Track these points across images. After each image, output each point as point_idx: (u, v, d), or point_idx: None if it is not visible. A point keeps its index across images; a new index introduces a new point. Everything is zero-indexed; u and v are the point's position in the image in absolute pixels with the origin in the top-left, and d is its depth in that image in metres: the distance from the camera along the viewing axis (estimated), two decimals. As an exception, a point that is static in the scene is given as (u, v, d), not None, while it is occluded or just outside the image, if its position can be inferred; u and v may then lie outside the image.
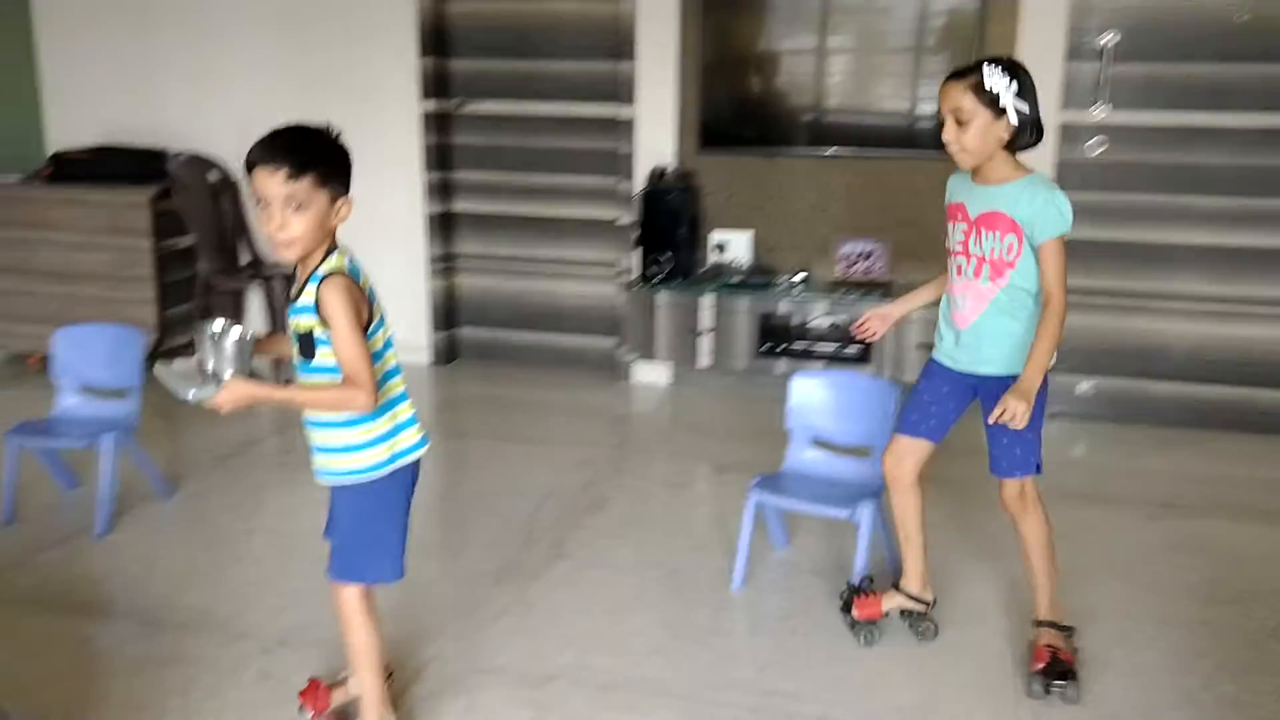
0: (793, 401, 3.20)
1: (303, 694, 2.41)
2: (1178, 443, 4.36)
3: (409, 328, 5.29)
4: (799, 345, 4.61)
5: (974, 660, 2.74)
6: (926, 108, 4.59)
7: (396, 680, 2.53)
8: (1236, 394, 4.47)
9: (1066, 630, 2.71)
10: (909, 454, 2.79)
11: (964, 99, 2.44)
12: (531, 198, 5.20)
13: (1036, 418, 2.56)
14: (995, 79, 2.42)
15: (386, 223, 5.20)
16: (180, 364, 2.13)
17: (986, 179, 2.55)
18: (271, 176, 1.96)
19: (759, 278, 4.68)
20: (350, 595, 2.24)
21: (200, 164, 5.05)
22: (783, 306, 4.60)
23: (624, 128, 4.88)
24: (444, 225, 5.23)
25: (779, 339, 4.63)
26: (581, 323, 5.25)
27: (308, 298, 2.04)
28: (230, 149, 5.23)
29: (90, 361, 3.54)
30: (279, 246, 2.03)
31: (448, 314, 5.33)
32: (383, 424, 2.14)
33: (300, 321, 2.07)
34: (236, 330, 2.05)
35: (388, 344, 2.14)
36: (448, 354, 5.36)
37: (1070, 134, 4.42)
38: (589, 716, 2.47)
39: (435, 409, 4.87)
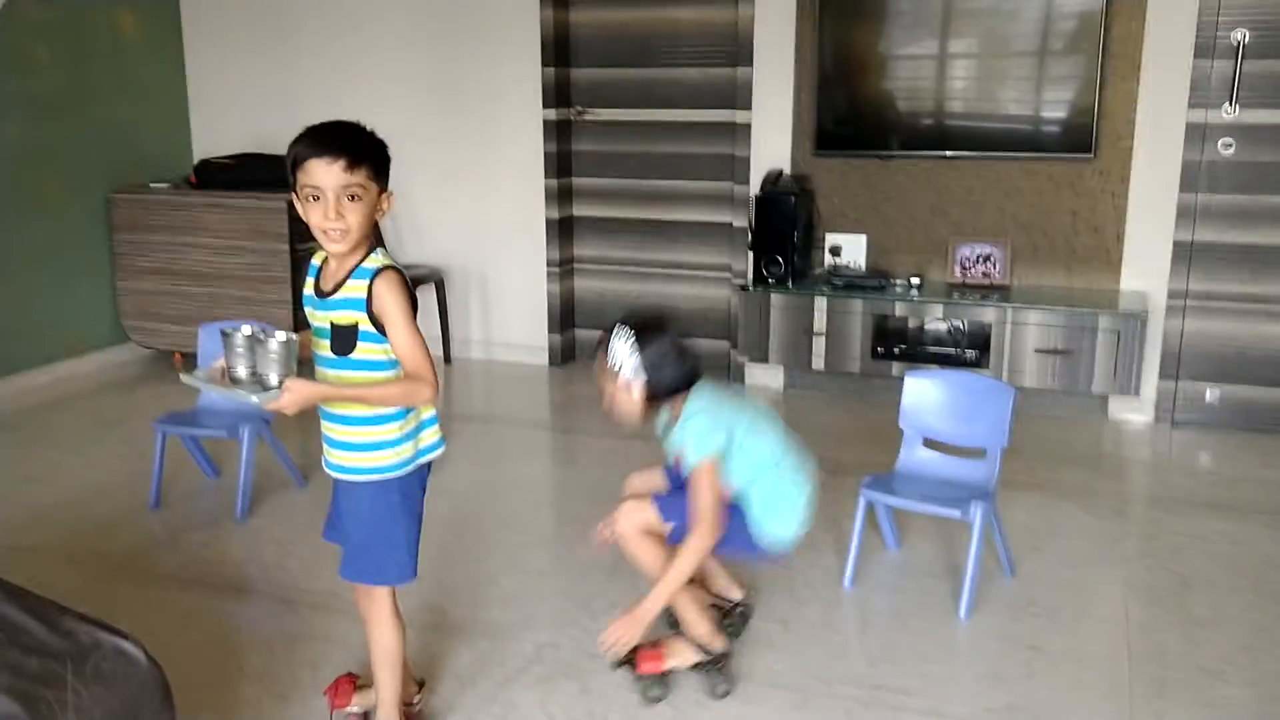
0: (906, 401, 3.21)
1: (329, 689, 2.43)
2: (1313, 453, 4.21)
3: (528, 329, 5.44)
4: (914, 348, 4.59)
5: (1087, 661, 2.71)
6: (1050, 111, 4.52)
7: (434, 690, 2.62)
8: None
9: None
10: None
11: (603, 378, 2.51)
12: (648, 202, 5.29)
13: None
14: (616, 352, 2.47)
15: (510, 227, 5.37)
16: (202, 371, 2.15)
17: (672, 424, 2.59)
18: (329, 167, 1.98)
19: (874, 280, 4.68)
20: (383, 596, 2.25)
21: (333, 171, 5.29)
22: (898, 309, 4.59)
23: (741, 132, 4.93)
24: (563, 230, 5.36)
25: (894, 342, 4.62)
26: (696, 325, 5.31)
27: (353, 291, 2.05)
28: (361, 157, 5.46)
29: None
30: (330, 237, 2.02)
31: (565, 316, 5.46)
32: (410, 421, 2.15)
33: (342, 315, 2.07)
34: (280, 333, 2.02)
35: None
36: (564, 355, 5.49)
37: (1196, 134, 4.31)
38: (701, 703, 2.53)
39: (551, 408, 5.00)
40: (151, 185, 5.40)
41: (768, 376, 5.04)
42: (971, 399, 3.14)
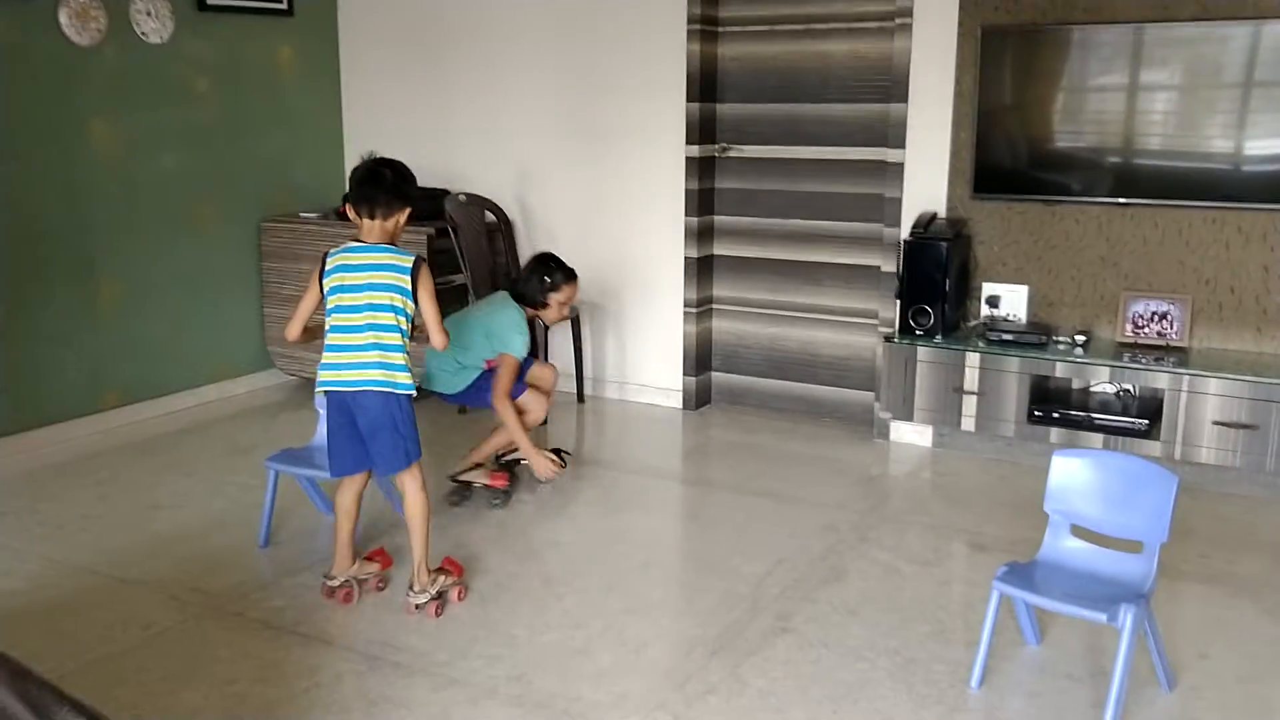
0: (1053, 483, 2.86)
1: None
2: None
3: (663, 370, 5.26)
4: (1077, 413, 4.18)
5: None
6: (1243, 157, 4.05)
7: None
8: None
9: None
10: None
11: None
12: (791, 242, 5.04)
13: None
14: None
15: (648, 265, 5.20)
16: None
17: None
18: None
19: (1033, 336, 4.29)
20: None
21: (477, 205, 5.25)
22: (1059, 369, 4.19)
23: (892, 171, 4.63)
24: (701, 269, 5.16)
25: (1054, 405, 4.23)
26: (837, 374, 5.02)
27: None
28: (509, 192, 5.42)
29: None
30: None
31: (700, 358, 5.25)
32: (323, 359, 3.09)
33: None
34: None
35: (329, 311, 3.05)
36: (699, 398, 5.27)
37: None
38: (788, 819, 2.27)
39: (682, 455, 4.79)
40: (301, 214, 5.48)
41: (914, 435, 4.69)
42: (1128, 485, 2.77)
